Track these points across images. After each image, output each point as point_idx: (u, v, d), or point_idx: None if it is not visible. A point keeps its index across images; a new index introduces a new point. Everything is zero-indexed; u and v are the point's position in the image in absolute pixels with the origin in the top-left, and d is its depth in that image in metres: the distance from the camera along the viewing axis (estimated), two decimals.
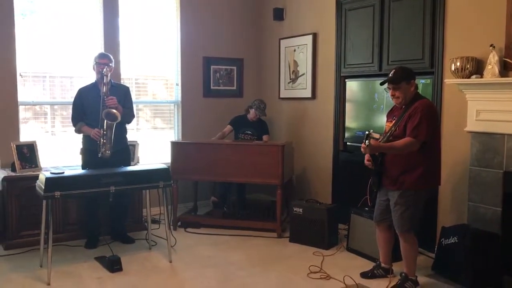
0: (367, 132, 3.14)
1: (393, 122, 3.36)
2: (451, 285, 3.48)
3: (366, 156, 3.40)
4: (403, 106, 3.33)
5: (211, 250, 4.27)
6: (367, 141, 3.12)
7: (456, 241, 3.50)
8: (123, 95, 4.31)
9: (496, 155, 3.52)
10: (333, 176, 5.11)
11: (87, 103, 4.20)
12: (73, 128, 4.30)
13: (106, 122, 4.04)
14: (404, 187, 3.27)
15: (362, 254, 4.05)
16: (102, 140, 4.07)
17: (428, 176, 3.28)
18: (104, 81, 4.08)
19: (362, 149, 3.21)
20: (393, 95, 3.32)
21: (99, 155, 4.09)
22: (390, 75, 3.31)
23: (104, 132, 4.06)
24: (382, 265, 3.64)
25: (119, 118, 4.04)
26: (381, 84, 3.39)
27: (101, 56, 4.26)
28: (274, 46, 5.89)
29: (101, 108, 4.05)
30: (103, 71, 4.09)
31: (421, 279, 3.53)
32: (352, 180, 4.75)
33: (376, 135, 3.24)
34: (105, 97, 4.05)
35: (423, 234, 3.97)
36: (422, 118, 3.15)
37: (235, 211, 5.27)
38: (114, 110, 4.03)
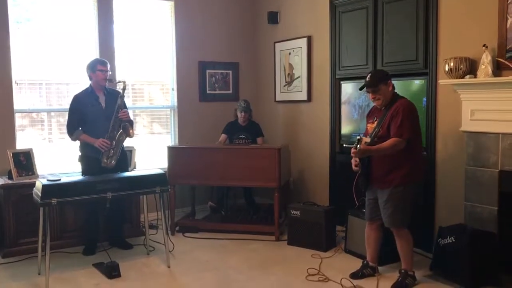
0: (358, 137, 3.34)
1: (376, 122, 3.48)
2: (450, 284, 3.49)
3: (354, 162, 3.51)
4: (383, 107, 3.45)
5: (209, 254, 4.27)
6: (358, 146, 3.27)
7: (454, 240, 3.51)
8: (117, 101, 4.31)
9: (491, 154, 3.54)
10: (330, 178, 5.12)
11: (86, 110, 4.18)
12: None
13: (120, 135, 4.12)
14: (393, 184, 3.38)
15: (360, 255, 4.05)
16: (111, 151, 4.10)
17: (414, 172, 3.43)
18: (122, 93, 4.16)
19: (352, 154, 3.36)
20: (373, 98, 3.47)
21: (103, 164, 4.10)
22: (367, 79, 3.45)
23: (114, 144, 4.12)
24: (370, 264, 3.70)
25: (133, 135, 4.21)
26: (360, 89, 3.56)
27: (103, 63, 4.26)
28: (269, 49, 5.91)
29: (113, 119, 4.12)
30: (114, 81, 4.29)
31: (420, 280, 3.56)
32: (349, 181, 4.72)
33: (367, 140, 3.41)
34: (120, 109, 4.13)
35: (421, 234, 3.99)
36: (404, 117, 3.31)
37: (244, 215, 5.23)
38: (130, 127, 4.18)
